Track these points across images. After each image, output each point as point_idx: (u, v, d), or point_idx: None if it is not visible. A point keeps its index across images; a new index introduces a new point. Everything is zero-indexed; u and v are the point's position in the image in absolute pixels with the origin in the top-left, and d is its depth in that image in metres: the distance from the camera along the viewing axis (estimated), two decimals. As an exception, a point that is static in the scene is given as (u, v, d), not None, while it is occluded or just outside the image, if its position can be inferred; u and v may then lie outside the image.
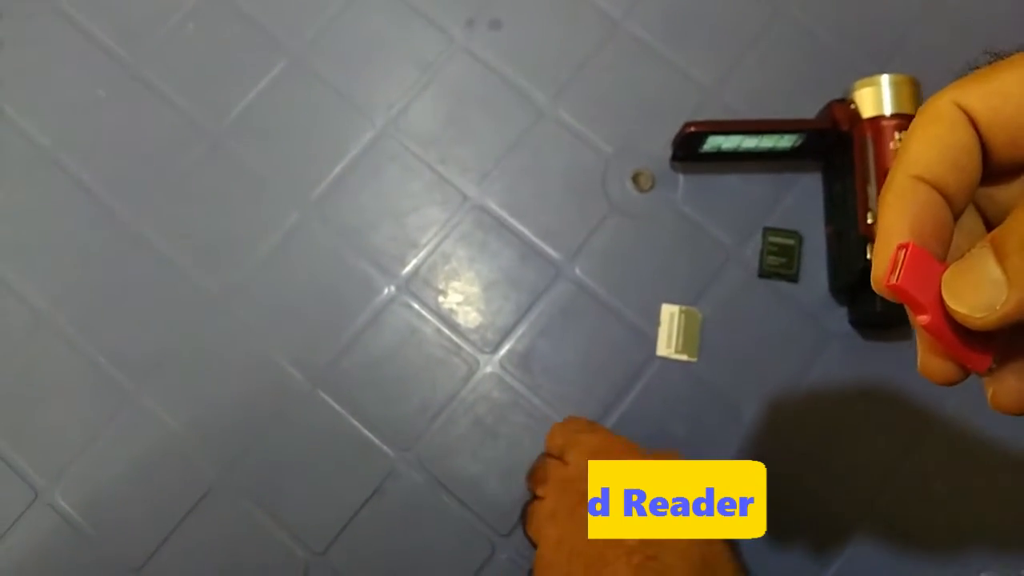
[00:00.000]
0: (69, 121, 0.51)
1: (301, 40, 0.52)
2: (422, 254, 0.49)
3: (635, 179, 0.50)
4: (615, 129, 0.51)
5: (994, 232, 0.20)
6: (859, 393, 0.47)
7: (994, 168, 0.23)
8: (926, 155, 0.22)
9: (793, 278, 0.48)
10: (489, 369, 0.48)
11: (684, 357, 0.47)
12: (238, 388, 0.48)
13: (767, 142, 0.48)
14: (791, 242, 0.48)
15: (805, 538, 0.46)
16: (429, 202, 0.50)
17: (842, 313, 0.48)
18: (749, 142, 0.48)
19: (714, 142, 0.48)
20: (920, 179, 0.22)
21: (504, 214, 0.50)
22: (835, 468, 0.46)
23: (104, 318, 0.49)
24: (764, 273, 0.48)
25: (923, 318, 0.21)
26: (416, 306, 0.48)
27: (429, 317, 0.48)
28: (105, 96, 0.52)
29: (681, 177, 0.50)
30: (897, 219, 0.22)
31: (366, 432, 0.47)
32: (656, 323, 0.47)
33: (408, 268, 0.49)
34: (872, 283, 0.22)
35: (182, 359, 0.48)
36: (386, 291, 0.49)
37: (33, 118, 0.51)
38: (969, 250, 0.21)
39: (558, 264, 0.49)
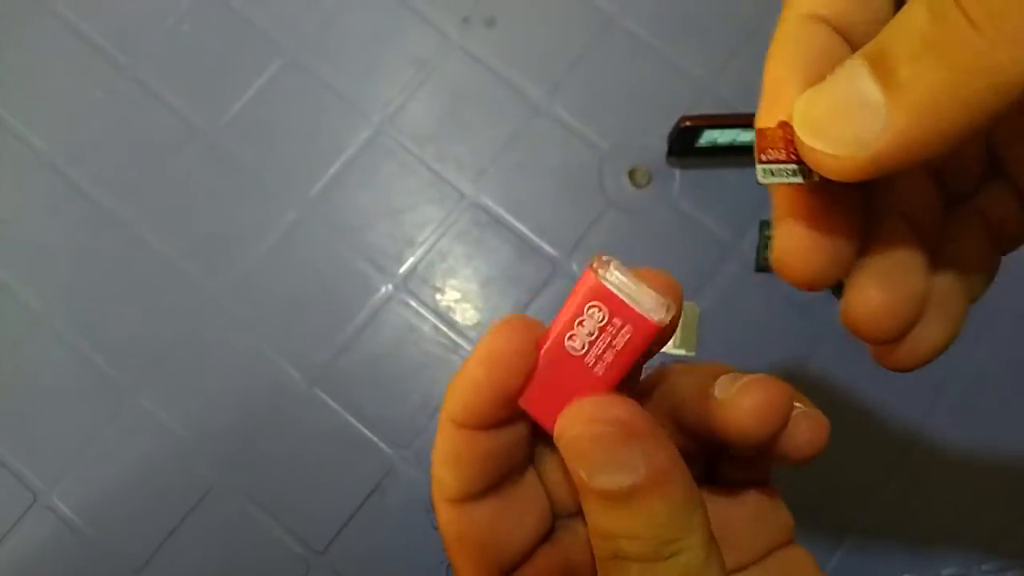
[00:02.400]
0: (65, 123, 0.51)
1: (297, 39, 0.52)
2: (419, 252, 0.49)
3: (631, 175, 0.50)
4: (611, 125, 0.51)
5: (871, 43, 0.14)
6: (856, 386, 0.47)
7: None
8: None
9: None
10: (487, 366, 0.47)
11: (682, 351, 0.47)
12: (236, 387, 0.47)
13: (762, 136, 0.48)
14: (788, 236, 0.48)
15: (802, 529, 0.46)
16: (426, 200, 0.50)
17: (838, 306, 0.48)
18: (745, 136, 0.48)
19: (710, 136, 0.48)
20: (814, 16, 0.17)
21: (501, 211, 0.50)
22: (831, 460, 0.46)
23: (101, 319, 0.48)
24: (761, 267, 0.48)
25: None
26: (414, 304, 0.48)
27: (427, 315, 0.48)
28: (102, 97, 0.52)
29: (677, 172, 0.50)
30: (787, 72, 0.17)
31: (365, 430, 0.47)
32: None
33: (405, 266, 0.49)
34: (758, 173, 0.17)
35: (180, 359, 0.48)
36: (384, 289, 0.49)
37: (28, 120, 0.51)
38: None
39: (555, 260, 0.49)
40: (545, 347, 0.19)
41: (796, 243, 0.18)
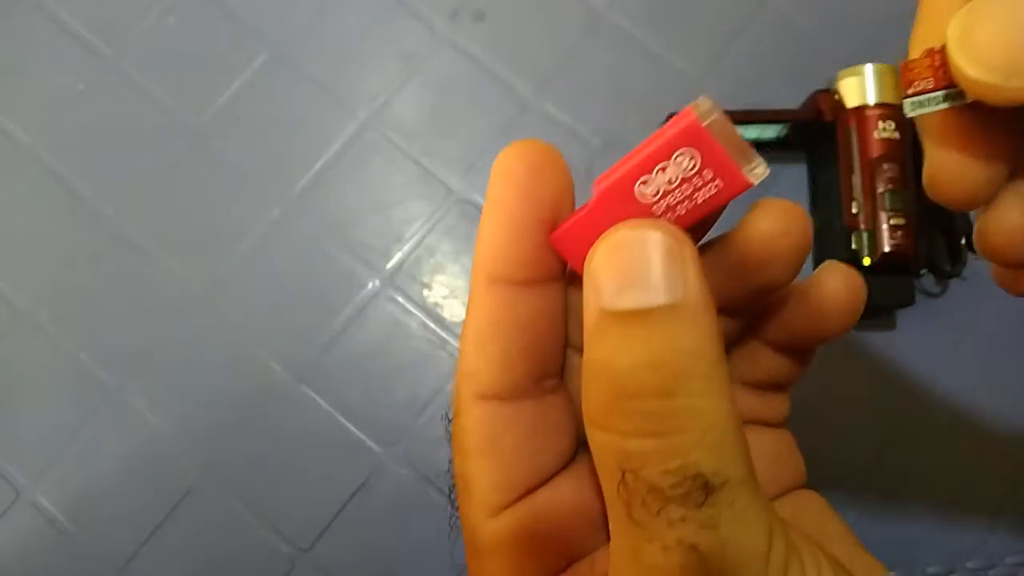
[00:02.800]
0: (48, 116, 0.51)
1: (283, 33, 0.52)
2: (407, 247, 0.49)
3: (620, 171, 0.50)
4: (600, 121, 0.51)
5: None
6: (849, 380, 0.47)
7: None
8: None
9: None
10: (475, 363, 0.47)
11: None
12: (221, 384, 0.47)
13: (751, 133, 0.48)
14: (776, 233, 0.48)
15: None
16: (413, 195, 0.50)
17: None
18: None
19: (699, 133, 0.47)
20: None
21: (489, 207, 0.49)
22: (825, 455, 0.46)
23: (85, 315, 0.48)
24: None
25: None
26: (401, 300, 0.48)
27: (414, 311, 0.48)
28: (84, 90, 0.51)
29: (666, 169, 0.50)
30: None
31: (351, 427, 0.46)
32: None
33: (393, 262, 0.49)
34: (906, 107, 0.16)
35: (164, 356, 0.47)
36: (370, 285, 0.48)
37: (11, 114, 0.51)
38: None
39: (543, 257, 0.48)
40: (607, 184, 0.16)
41: (948, 168, 0.17)
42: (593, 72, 0.51)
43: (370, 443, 0.46)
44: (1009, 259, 0.18)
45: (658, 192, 0.16)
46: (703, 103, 0.16)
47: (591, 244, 0.16)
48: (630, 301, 0.15)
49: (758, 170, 0.16)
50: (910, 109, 0.16)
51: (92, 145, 0.50)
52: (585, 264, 0.16)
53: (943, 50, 0.15)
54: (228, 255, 0.49)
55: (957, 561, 0.44)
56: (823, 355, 0.47)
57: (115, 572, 0.45)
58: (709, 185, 0.16)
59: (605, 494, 0.15)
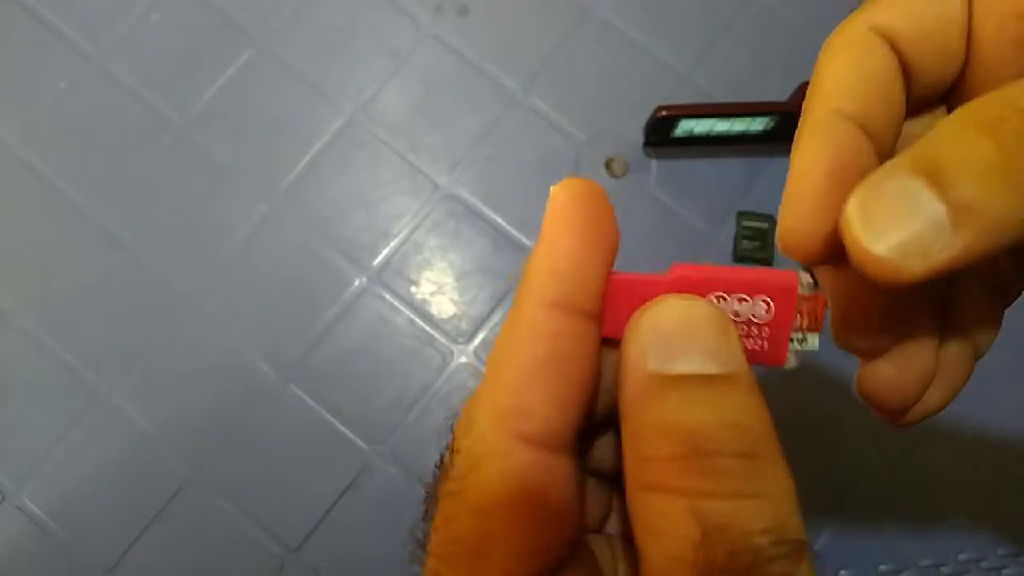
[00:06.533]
0: (31, 115, 0.50)
1: (267, 28, 0.51)
2: (394, 244, 0.49)
3: (608, 165, 0.50)
4: (587, 115, 0.50)
5: (914, 154, 0.15)
6: (838, 374, 0.47)
7: (918, 95, 0.19)
8: (845, 86, 0.18)
9: (768, 261, 0.48)
10: (463, 359, 0.47)
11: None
12: (208, 384, 0.47)
13: (739, 126, 0.47)
14: (765, 226, 0.48)
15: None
16: (400, 191, 0.49)
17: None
18: (721, 126, 0.47)
19: (686, 126, 0.47)
20: (840, 113, 0.18)
21: (476, 202, 0.49)
22: (819, 451, 0.46)
23: (71, 315, 0.48)
24: (739, 257, 0.48)
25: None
26: (388, 297, 0.48)
27: (402, 308, 0.48)
28: (67, 88, 0.50)
29: (654, 163, 0.50)
30: (814, 162, 0.17)
31: (339, 426, 0.46)
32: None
33: (380, 258, 0.48)
34: (778, 239, 0.18)
35: (151, 356, 0.47)
36: (357, 282, 0.48)
37: (-7, 112, 0.50)
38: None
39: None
40: (690, 274, 0.17)
41: (854, 328, 0.19)
42: (580, 66, 0.51)
43: (358, 441, 0.46)
44: (889, 408, 0.19)
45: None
46: (806, 278, 0.17)
47: (638, 307, 0.16)
48: (688, 366, 0.15)
49: (793, 360, 0.17)
50: (795, 362, 0.18)
51: (76, 144, 0.50)
52: (630, 325, 0.16)
53: (820, 300, 0.17)
54: (214, 253, 0.48)
55: (910, 560, 0.45)
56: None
57: (104, 573, 0.44)
58: (757, 340, 0.17)
59: (662, 558, 0.14)
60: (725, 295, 0.17)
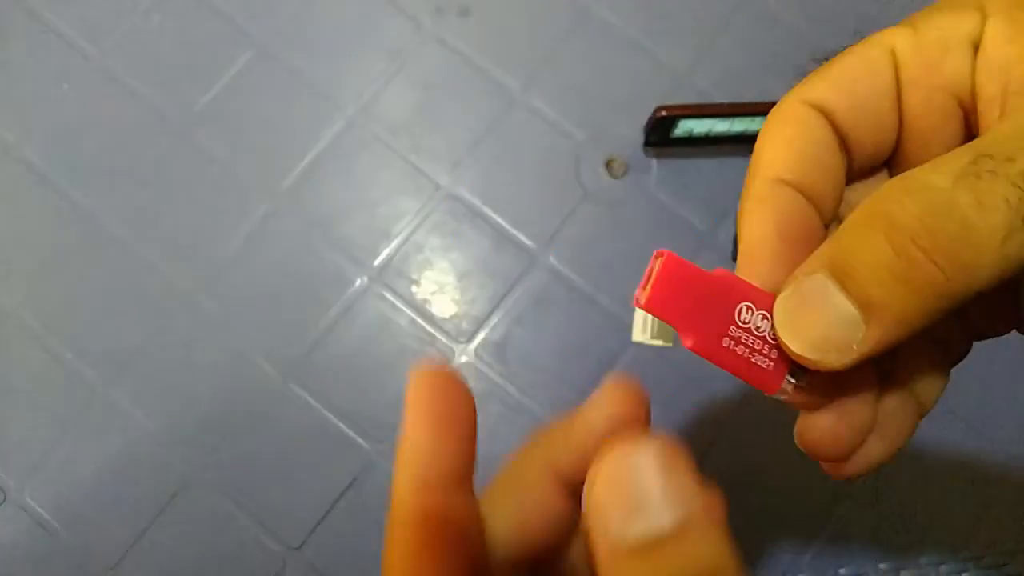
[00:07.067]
0: (33, 115, 0.50)
1: (268, 29, 0.51)
2: (395, 244, 0.49)
3: (608, 165, 0.50)
4: (588, 115, 0.50)
5: (828, 252, 0.16)
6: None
7: (859, 162, 0.20)
8: (784, 156, 0.19)
9: (767, 262, 0.48)
10: (464, 359, 0.47)
11: (659, 343, 0.47)
12: (209, 383, 0.47)
13: (738, 126, 0.48)
14: (764, 226, 0.48)
15: (784, 517, 0.46)
16: (401, 191, 0.49)
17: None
18: (720, 126, 0.48)
19: (686, 126, 0.47)
20: (781, 181, 0.19)
21: (477, 202, 0.49)
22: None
23: (71, 314, 0.48)
24: (737, 258, 0.48)
25: (688, 340, 0.18)
26: (389, 297, 0.48)
27: (403, 307, 0.48)
28: (69, 89, 0.51)
29: (654, 163, 0.50)
30: (759, 226, 0.19)
31: (341, 425, 0.46)
32: (631, 309, 0.47)
33: (381, 258, 0.48)
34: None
35: (152, 354, 0.47)
36: (358, 282, 0.48)
37: (-5, 112, 0.50)
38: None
39: (532, 252, 0.48)
40: (730, 278, 0.18)
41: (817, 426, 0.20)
42: (580, 67, 0.51)
43: (359, 440, 0.46)
44: (826, 458, 0.20)
45: (743, 324, 0.18)
46: None
47: (684, 298, 0.18)
48: (640, 530, 0.15)
49: (788, 391, 0.18)
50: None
51: (77, 144, 0.50)
52: (585, 494, 0.16)
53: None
54: (215, 253, 0.48)
55: (868, 563, 0.45)
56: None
57: (105, 572, 0.44)
58: (764, 359, 0.18)
59: None
60: (751, 306, 0.18)
